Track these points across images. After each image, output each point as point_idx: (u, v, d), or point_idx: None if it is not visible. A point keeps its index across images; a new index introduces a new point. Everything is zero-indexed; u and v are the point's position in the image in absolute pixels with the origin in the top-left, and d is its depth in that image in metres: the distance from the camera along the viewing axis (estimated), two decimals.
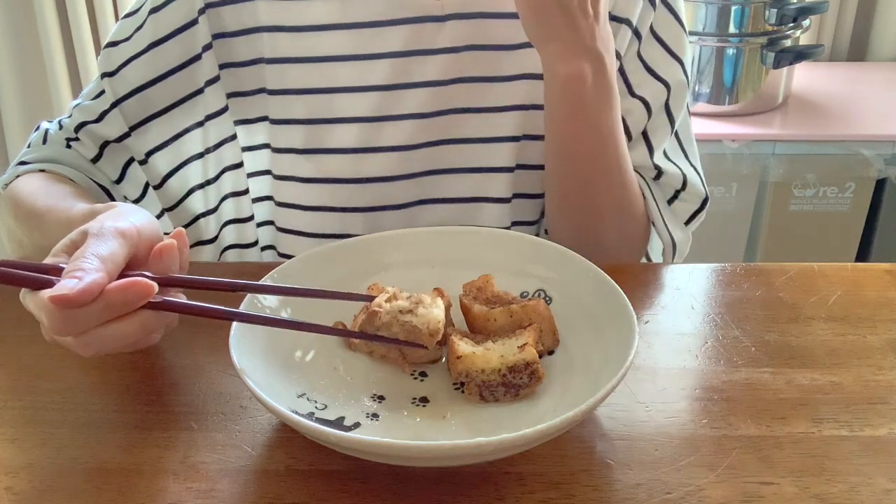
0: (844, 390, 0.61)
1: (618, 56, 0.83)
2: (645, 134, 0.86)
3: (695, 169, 0.89)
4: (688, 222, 0.91)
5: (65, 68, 1.94)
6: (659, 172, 0.87)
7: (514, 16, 0.78)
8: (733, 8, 1.68)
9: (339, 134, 0.80)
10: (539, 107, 0.80)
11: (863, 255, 1.82)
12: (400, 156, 0.82)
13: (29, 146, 0.85)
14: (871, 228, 1.80)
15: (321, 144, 0.81)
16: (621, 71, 0.84)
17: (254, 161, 0.86)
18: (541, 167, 0.84)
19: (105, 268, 0.52)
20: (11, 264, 0.54)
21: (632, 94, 0.85)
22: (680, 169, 0.88)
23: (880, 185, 1.74)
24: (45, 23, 1.88)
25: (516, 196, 0.85)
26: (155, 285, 0.53)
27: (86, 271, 0.51)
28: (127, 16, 0.82)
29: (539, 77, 0.78)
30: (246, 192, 0.87)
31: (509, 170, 0.84)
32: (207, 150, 0.84)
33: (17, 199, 0.76)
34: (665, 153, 0.88)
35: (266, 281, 0.63)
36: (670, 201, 0.89)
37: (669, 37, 0.85)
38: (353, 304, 0.64)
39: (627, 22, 0.82)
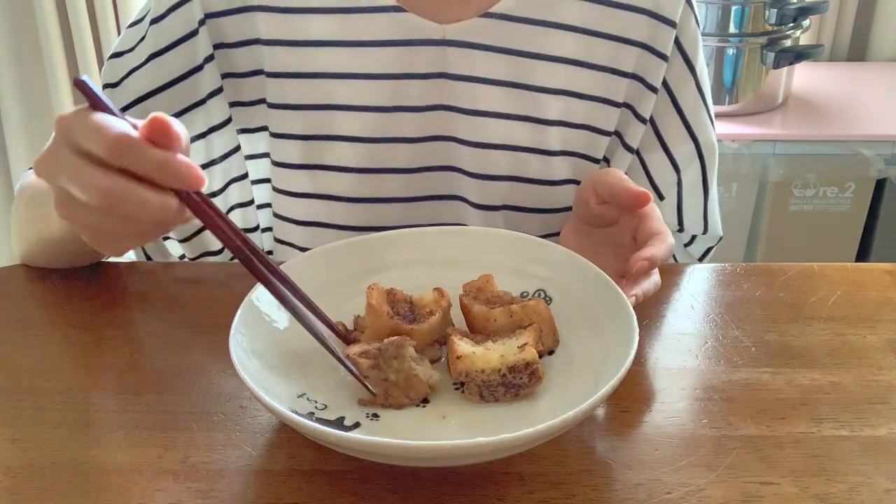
0: (844, 390, 0.61)
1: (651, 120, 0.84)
2: (679, 206, 0.87)
3: (714, 210, 0.91)
4: (702, 258, 0.92)
5: (65, 68, 1.94)
6: (682, 228, 0.88)
7: (518, 53, 0.77)
8: (733, 8, 1.68)
9: (340, 152, 0.80)
10: (532, 150, 0.80)
11: (863, 255, 1.82)
12: (400, 178, 0.81)
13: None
14: (871, 228, 1.80)
15: (320, 161, 0.80)
16: (653, 125, 0.84)
17: (255, 169, 0.85)
18: (531, 209, 0.83)
19: (185, 136, 0.52)
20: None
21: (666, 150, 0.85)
22: (705, 218, 0.89)
23: (880, 185, 1.74)
24: (45, 23, 1.87)
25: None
26: (205, 180, 0.52)
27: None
28: (131, 25, 0.82)
29: (536, 120, 0.79)
30: (251, 202, 0.86)
31: (503, 208, 0.83)
32: (212, 162, 0.83)
33: (30, 186, 0.76)
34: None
35: None
36: (687, 244, 0.91)
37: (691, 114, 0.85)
38: (353, 305, 0.64)
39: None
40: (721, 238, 0.92)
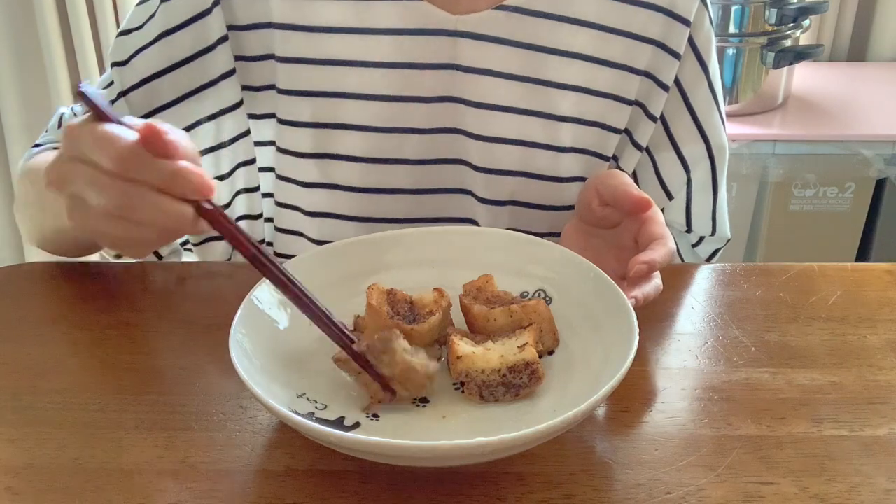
0: (844, 390, 0.61)
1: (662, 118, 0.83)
2: (688, 206, 0.87)
3: (723, 212, 0.90)
4: (709, 259, 0.92)
5: (65, 68, 1.94)
6: (690, 229, 0.88)
7: (531, 47, 0.77)
8: (733, 8, 1.68)
9: (348, 141, 0.79)
10: (542, 145, 0.80)
11: (863, 255, 1.82)
12: (408, 170, 0.81)
13: (46, 131, 0.85)
14: (871, 228, 1.79)
15: (328, 150, 0.80)
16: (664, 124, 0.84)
17: (260, 157, 0.85)
18: (537, 206, 0.83)
19: (190, 147, 0.52)
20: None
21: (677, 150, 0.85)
22: (713, 219, 0.89)
23: (880, 185, 1.74)
24: (45, 23, 1.88)
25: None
26: (215, 188, 0.52)
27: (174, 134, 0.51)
28: (140, 3, 0.81)
29: (547, 116, 0.79)
30: (258, 188, 0.85)
31: (510, 203, 0.83)
32: (221, 145, 0.82)
33: (39, 165, 0.76)
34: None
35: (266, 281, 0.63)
36: (695, 245, 0.90)
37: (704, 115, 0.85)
38: (353, 305, 0.64)
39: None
40: (729, 240, 0.92)
